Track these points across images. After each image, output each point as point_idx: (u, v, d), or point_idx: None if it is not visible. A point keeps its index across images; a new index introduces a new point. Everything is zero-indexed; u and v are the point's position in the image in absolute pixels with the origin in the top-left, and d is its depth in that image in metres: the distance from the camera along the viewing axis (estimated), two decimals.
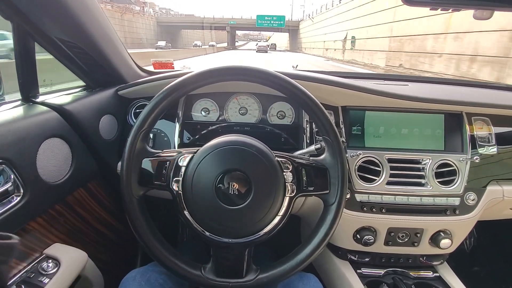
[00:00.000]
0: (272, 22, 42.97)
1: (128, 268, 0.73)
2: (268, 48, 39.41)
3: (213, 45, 41.49)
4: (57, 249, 0.67)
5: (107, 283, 0.80)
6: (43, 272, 0.61)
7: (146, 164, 0.59)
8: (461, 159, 0.84)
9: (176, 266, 0.56)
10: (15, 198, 0.57)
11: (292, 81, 0.59)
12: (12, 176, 0.56)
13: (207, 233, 0.56)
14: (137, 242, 1.08)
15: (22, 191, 0.57)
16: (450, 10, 0.61)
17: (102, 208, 0.87)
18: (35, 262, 0.62)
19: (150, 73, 1.05)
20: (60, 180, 0.67)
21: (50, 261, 0.64)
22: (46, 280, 0.59)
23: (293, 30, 52.42)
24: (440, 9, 0.60)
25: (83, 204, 0.79)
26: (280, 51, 48.81)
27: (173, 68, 1.14)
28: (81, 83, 0.89)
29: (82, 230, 0.80)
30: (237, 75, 0.60)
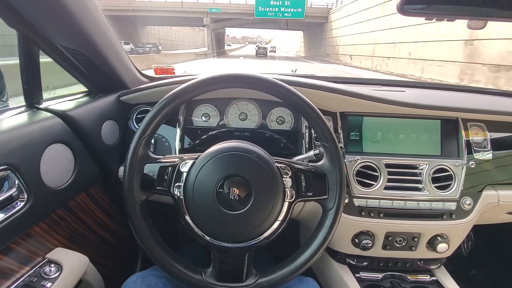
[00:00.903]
0: (282, 10, 23.80)
1: (128, 273, 0.74)
2: (268, 51, 37.07)
3: (155, 48, 22.70)
4: (59, 254, 0.67)
5: (108, 287, 0.81)
6: (46, 276, 0.62)
7: (148, 169, 0.60)
8: (457, 164, 0.85)
9: (178, 270, 0.57)
10: (19, 203, 0.58)
11: (291, 88, 0.60)
12: (16, 182, 0.57)
13: (208, 238, 0.57)
14: (137, 247, 1.09)
15: (26, 196, 0.58)
16: (444, 20, 0.62)
17: (103, 213, 0.88)
18: (38, 266, 0.63)
19: (151, 78, 1.07)
20: (63, 185, 0.68)
21: (53, 265, 0.64)
22: (49, 284, 0.60)
23: (314, 24, 30.49)
24: (435, 19, 0.62)
25: (84, 208, 0.80)
26: (287, 58, 30.97)
27: (174, 74, 1.15)
28: (84, 89, 0.90)
29: (84, 235, 0.81)
30: (238, 82, 0.61)
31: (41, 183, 0.61)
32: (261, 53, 29.65)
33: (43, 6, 0.60)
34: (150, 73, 1.11)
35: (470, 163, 0.85)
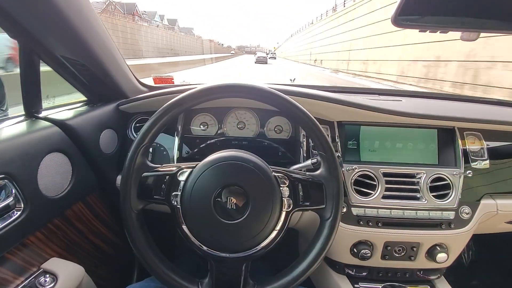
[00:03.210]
0: None
1: (124, 283, 0.73)
2: (268, 58, 35.85)
3: None
4: (55, 264, 0.67)
5: None
6: (40, 287, 0.61)
7: (146, 178, 0.60)
8: (454, 173, 0.86)
9: (174, 281, 0.57)
10: (15, 212, 0.57)
11: (289, 98, 0.61)
12: (13, 191, 0.57)
13: (205, 248, 0.57)
14: (134, 257, 1.08)
15: (22, 205, 0.58)
16: (438, 32, 0.63)
17: (100, 222, 0.88)
18: (33, 276, 0.62)
19: (150, 88, 1.08)
20: (60, 194, 0.68)
21: (48, 275, 0.64)
22: None
23: None
24: (428, 31, 0.63)
25: (81, 218, 0.79)
26: None
27: (173, 83, 1.16)
28: (83, 98, 0.91)
29: (80, 245, 0.80)
30: (236, 92, 0.62)
31: (38, 192, 0.61)
32: (261, 61, 30.55)
33: (44, 17, 0.61)
34: (149, 82, 1.13)
35: (467, 172, 0.85)
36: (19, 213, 0.58)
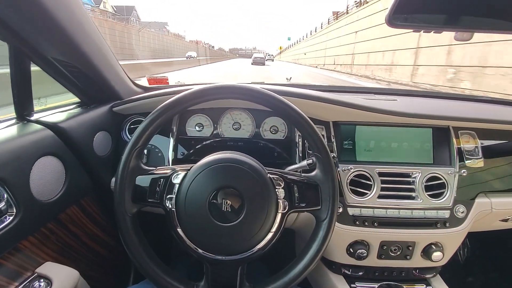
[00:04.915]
0: None
1: (121, 286, 0.72)
2: (265, 60, 36.73)
3: None
4: (49, 268, 0.66)
5: None
6: None
7: (140, 181, 0.59)
8: (449, 172, 0.86)
9: (169, 284, 0.56)
10: (7, 217, 0.57)
11: (283, 99, 0.61)
12: (5, 196, 0.56)
13: (200, 250, 0.57)
14: (130, 260, 1.07)
15: (15, 210, 0.57)
16: (431, 32, 0.64)
17: (95, 225, 0.87)
18: (27, 281, 0.62)
19: (145, 88, 1.07)
20: (53, 198, 0.67)
21: (42, 280, 0.63)
22: None
23: None
24: (422, 31, 0.63)
25: (75, 221, 0.79)
26: None
27: (168, 84, 1.15)
28: (76, 99, 0.90)
29: (75, 248, 0.79)
30: (230, 93, 0.62)
31: (30, 196, 0.61)
32: (259, 62, 30.17)
33: (34, 19, 0.60)
34: (144, 82, 1.12)
35: (462, 171, 0.85)
36: (11, 218, 0.57)
